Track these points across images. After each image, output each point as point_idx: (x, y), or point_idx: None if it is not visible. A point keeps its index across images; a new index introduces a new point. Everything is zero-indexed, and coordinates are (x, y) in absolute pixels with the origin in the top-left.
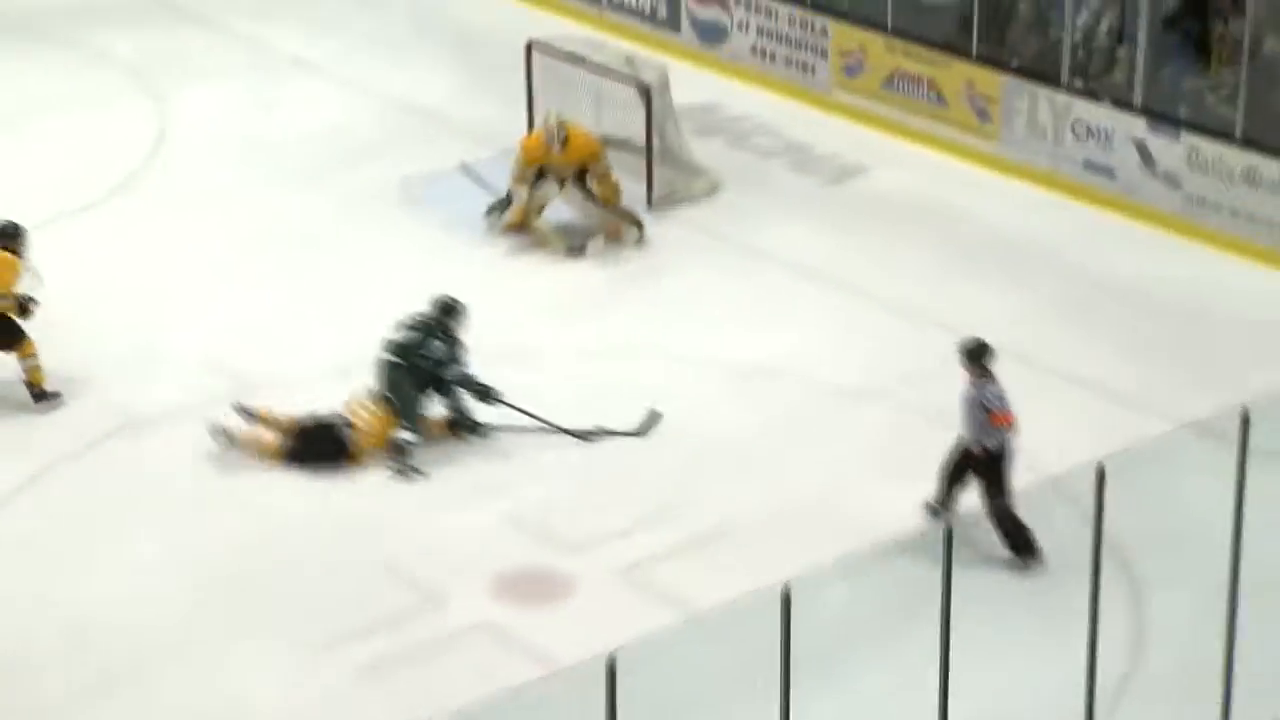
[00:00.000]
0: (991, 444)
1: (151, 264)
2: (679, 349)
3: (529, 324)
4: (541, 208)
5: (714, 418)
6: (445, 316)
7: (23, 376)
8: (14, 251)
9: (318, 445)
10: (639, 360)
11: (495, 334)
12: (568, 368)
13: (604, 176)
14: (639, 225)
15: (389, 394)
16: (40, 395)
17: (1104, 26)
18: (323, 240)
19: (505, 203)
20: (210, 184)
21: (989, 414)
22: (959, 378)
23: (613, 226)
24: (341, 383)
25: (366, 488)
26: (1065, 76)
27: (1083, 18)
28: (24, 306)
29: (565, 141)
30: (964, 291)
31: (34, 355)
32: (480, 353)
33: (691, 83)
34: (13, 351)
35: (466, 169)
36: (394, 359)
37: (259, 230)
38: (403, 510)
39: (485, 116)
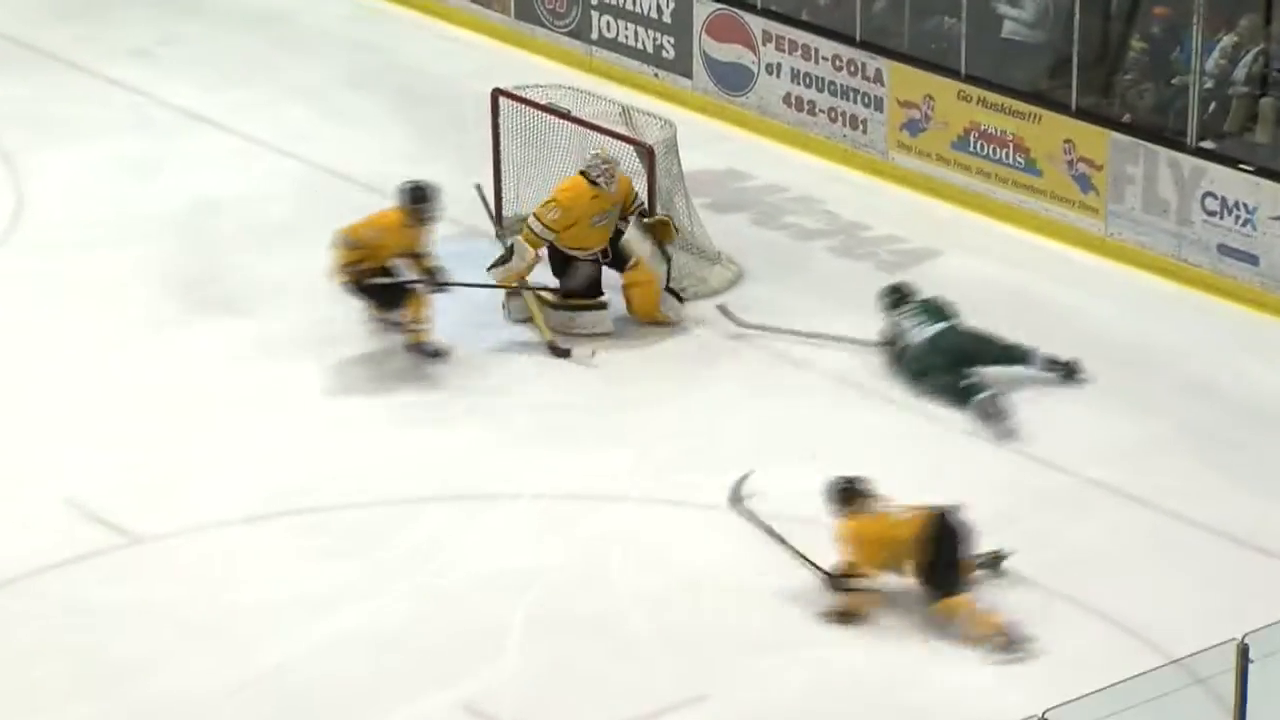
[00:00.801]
0: None
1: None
2: (687, 492)
3: (487, 457)
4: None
5: (739, 579)
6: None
7: (406, 340)
8: (422, 217)
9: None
10: (632, 509)
11: (441, 470)
12: (538, 516)
13: (642, 211)
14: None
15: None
16: (416, 348)
17: (1241, 71)
18: None
19: (505, 258)
20: (77, 271)
21: None
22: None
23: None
24: (250, 533)
25: (293, 657)
26: (1192, 136)
27: (1214, 60)
28: (430, 271)
29: (614, 178)
30: (1060, 412)
31: (424, 321)
32: (421, 494)
33: (707, 142)
34: (399, 311)
35: (481, 191)
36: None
37: (139, 333)
38: (333, 691)
39: (437, 184)
